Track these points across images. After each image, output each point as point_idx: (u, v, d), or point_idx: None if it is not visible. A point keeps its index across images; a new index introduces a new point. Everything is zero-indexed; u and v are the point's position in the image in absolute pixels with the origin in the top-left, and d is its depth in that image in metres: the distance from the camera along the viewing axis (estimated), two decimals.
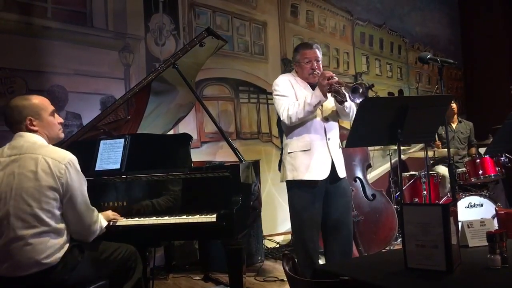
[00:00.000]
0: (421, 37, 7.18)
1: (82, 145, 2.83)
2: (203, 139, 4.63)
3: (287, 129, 2.99)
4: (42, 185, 2.00)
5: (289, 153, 2.95)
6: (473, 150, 5.24)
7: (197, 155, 4.27)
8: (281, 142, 4.07)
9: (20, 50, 3.63)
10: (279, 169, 4.33)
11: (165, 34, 4.47)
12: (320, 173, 2.89)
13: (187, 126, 4.29)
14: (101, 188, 2.67)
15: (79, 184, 2.10)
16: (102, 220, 2.28)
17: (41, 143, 2.12)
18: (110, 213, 2.52)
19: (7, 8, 3.59)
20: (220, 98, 4.84)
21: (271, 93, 5.12)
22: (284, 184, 4.25)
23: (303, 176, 2.89)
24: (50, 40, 3.77)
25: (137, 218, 2.54)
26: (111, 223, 2.46)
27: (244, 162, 2.74)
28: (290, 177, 2.93)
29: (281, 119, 2.90)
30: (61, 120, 2.27)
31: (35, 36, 3.70)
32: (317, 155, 2.90)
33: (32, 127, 2.13)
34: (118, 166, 2.69)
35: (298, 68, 3.03)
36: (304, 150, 2.90)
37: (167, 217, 2.52)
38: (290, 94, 2.94)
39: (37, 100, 2.18)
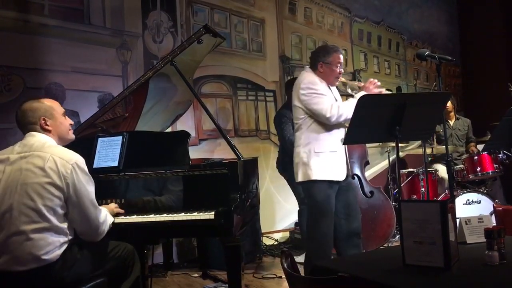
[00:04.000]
0: (419, 34, 7.18)
1: (80, 142, 2.81)
2: (201, 137, 4.63)
3: (311, 128, 2.99)
4: (47, 181, 2.02)
5: (316, 152, 2.96)
6: (472, 146, 5.23)
7: (195, 153, 4.27)
8: (283, 139, 4.09)
9: (17, 48, 3.61)
10: (278, 167, 4.36)
11: (163, 31, 4.46)
12: (343, 173, 3.03)
13: (185, 124, 4.28)
14: (99, 185, 2.64)
15: (86, 186, 2.12)
16: (109, 217, 2.29)
17: (50, 143, 2.16)
18: (113, 205, 2.54)
19: (4, 6, 3.57)
20: (218, 96, 4.84)
21: (269, 91, 5.09)
22: (282, 181, 4.28)
23: (333, 176, 2.98)
24: (48, 37, 3.76)
25: (135, 216, 2.54)
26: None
27: (242, 159, 2.74)
28: (317, 177, 2.95)
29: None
30: (71, 122, 2.33)
31: (32, 34, 3.69)
32: (341, 155, 3.02)
33: (46, 127, 2.18)
34: (116, 164, 2.68)
35: (326, 69, 3.04)
36: (333, 151, 2.98)
37: (165, 215, 2.51)
38: (328, 93, 3.01)
39: (49, 102, 2.26)
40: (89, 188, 2.13)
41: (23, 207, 1.99)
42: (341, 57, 3.09)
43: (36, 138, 2.15)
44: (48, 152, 2.08)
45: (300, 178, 3.04)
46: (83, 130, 2.98)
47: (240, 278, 2.55)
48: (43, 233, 2.00)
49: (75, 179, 2.07)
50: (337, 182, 3.02)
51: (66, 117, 2.30)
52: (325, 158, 2.97)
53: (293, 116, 3.16)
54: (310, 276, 1.79)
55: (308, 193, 3.05)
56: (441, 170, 4.80)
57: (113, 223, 2.38)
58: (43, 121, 2.18)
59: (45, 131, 2.19)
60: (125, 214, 2.56)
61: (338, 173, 3.00)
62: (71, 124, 2.32)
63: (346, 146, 3.08)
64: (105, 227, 2.22)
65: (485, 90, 6.78)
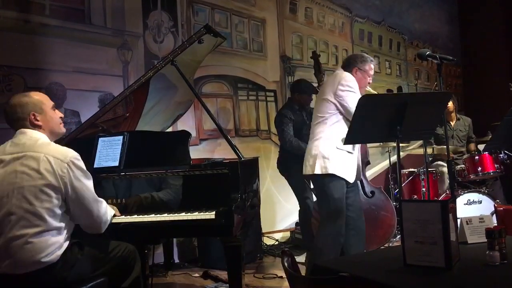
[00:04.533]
0: (420, 34, 7.18)
1: (80, 142, 2.82)
2: (202, 137, 4.63)
3: (336, 124, 3.03)
4: (44, 183, 2.00)
5: (338, 148, 3.00)
6: (472, 146, 5.21)
7: (196, 153, 4.27)
8: (283, 141, 4.11)
9: (18, 48, 3.61)
10: (278, 167, 4.36)
11: (164, 31, 4.46)
12: (353, 177, 3.09)
13: (186, 124, 4.28)
14: (100, 185, 2.66)
15: (84, 181, 2.10)
16: (109, 208, 2.30)
17: (43, 140, 2.13)
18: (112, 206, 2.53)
19: (5, 6, 3.57)
20: (218, 96, 4.83)
21: (269, 90, 5.10)
22: (283, 181, 4.28)
23: (347, 176, 3.02)
24: (48, 37, 3.76)
25: (135, 216, 2.54)
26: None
27: (243, 159, 2.74)
28: (336, 172, 2.99)
29: None
30: (61, 114, 2.30)
31: (33, 34, 3.69)
32: (355, 159, 3.09)
33: (36, 122, 2.14)
34: (116, 164, 2.68)
35: (359, 75, 3.12)
36: (350, 152, 3.03)
37: (166, 214, 2.51)
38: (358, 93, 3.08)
39: (38, 96, 2.21)
40: (87, 183, 2.12)
41: (22, 211, 1.97)
42: (373, 68, 3.20)
43: (28, 136, 2.11)
44: (42, 152, 2.04)
45: (317, 170, 3.02)
46: (83, 130, 2.98)
47: (240, 278, 2.55)
48: (43, 236, 1.99)
49: (72, 177, 2.05)
50: (347, 183, 3.08)
51: (56, 110, 2.26)
52: (344, 156, 3.01)
53: (318, 109, 3.15)
54: (310, 276, 1.79)
55: (324, 187, 3.05)
56: (442, 166, 4.79)
57: (114, 223, 2.38)
58: (32, 117, 2.13)
59: (36, 126, 2.14)
60: (126, 214, 2.56)
61: (351, 175, 3.06)
62: (61, 117, 2.28)
63: (359, 152, 3.17)
64: (108, 217, 2.24)
65: (486, 90, 6.77)
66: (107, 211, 2.24)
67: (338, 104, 3.02)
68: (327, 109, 3.06)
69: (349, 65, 3.15)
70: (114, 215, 2.47)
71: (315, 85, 4.29)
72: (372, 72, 3.18)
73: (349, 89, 3.00)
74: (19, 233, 1.96)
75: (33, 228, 1.97)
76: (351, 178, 3.07)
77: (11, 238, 1.96)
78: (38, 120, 2.15)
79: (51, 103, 2.24)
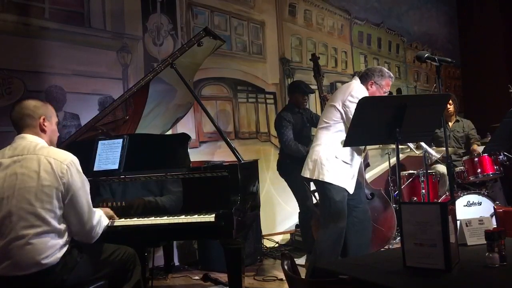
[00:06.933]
0: (419, 36, 7.19)
1: (80, 145, 2.83)
2: (202, 139, 4.63)
3: (340, 133, 3.04)
4: (45, 184, 2.01)
5: (336, 158, 3.01)
6: (475, 146, 5.15)
7: (196, 155, 4.27)
8: (282, 143, 4.12)
9: (18, 51, 3.61)
10: (278, 169, 4.36)
11: (163, 34, 4.46)
12: (352, 187, 3.10)
13: (186, 126, 4.29)
14: (100, 188, 2.67)
15: (81, 185, 2.11)
16: (103, 219, 2.28)
17: (42, 145, 2.15)
18: (108, 209, 2.53)
19: (5, 9, 3.57)
20: (218, 98, 4.84)
21: (269, 93, 5.12)
22: (282, 184, 4.29)
23: (345, 185, 3.04)
24: (48, 40, 3.76)
25: (135, 218, 2.54)
26: (109, 223, 2.45)
27: (242, 161, 2.74)
28: (332, 181, 3.00)
29: None
30: (57, 134, 2.35)
31: (33, 37, 3.69)
32: (355, 171, 3.10)
33: (44, 127, 2.18)
34: (116, 167, 2.69)
35: (373, 89, 3.13)
36: (347, 163, 3.03)
37: (165, 217, 2.52)
38: None
39: (50, 106, 2.28)
40: (84, 187, 2.13)
41: (22, 212, 1.99)
42: (390, 84, 3.19)
43: (27, 141, 2.13)
44: (42, 154, 2.07)
45: (315, 176, 3.06)
46: (83, 133, 2.98)
47: (241, 280, 2.56)
48: (43, 237, 2.00)
49: (70, 179, 2.06)
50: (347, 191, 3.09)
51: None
52: (341, 166, 3.02)
53: (324, 115, 3.17)
54: (310, 279, 1.79)
55: (325, 190, 3.08)
56: (441, 168, 4.79)
57: (114, 226, 2.38)
58: (42, 120, 2.17)
59: (41, 130, 2.18)
60: (126, 217, 2.56)
61: (348, 185, 3.06)
62: (58, 137, 2.34)
63: (362, 164, 3.19)
64: (99, 229, 2.21)
65: (485, 92, 6.78)
66: (100, 220, 2.23)
67: (343, 114, 3.03)
68: (333, 116, 3.07)
69: (366, 77, 3.16)
70: (112, 220, 2.48)
71: (314, 87, 4.30)
72: (388, 89, 3.17)
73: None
74: (20, 234, 1.97)
75: (33, 229, 1.98)
76: (349, 188, 3.08)
77: (12, 239, 1.97)
78: (45, 126, 2.19)
79: (57, 119, 2.30)
